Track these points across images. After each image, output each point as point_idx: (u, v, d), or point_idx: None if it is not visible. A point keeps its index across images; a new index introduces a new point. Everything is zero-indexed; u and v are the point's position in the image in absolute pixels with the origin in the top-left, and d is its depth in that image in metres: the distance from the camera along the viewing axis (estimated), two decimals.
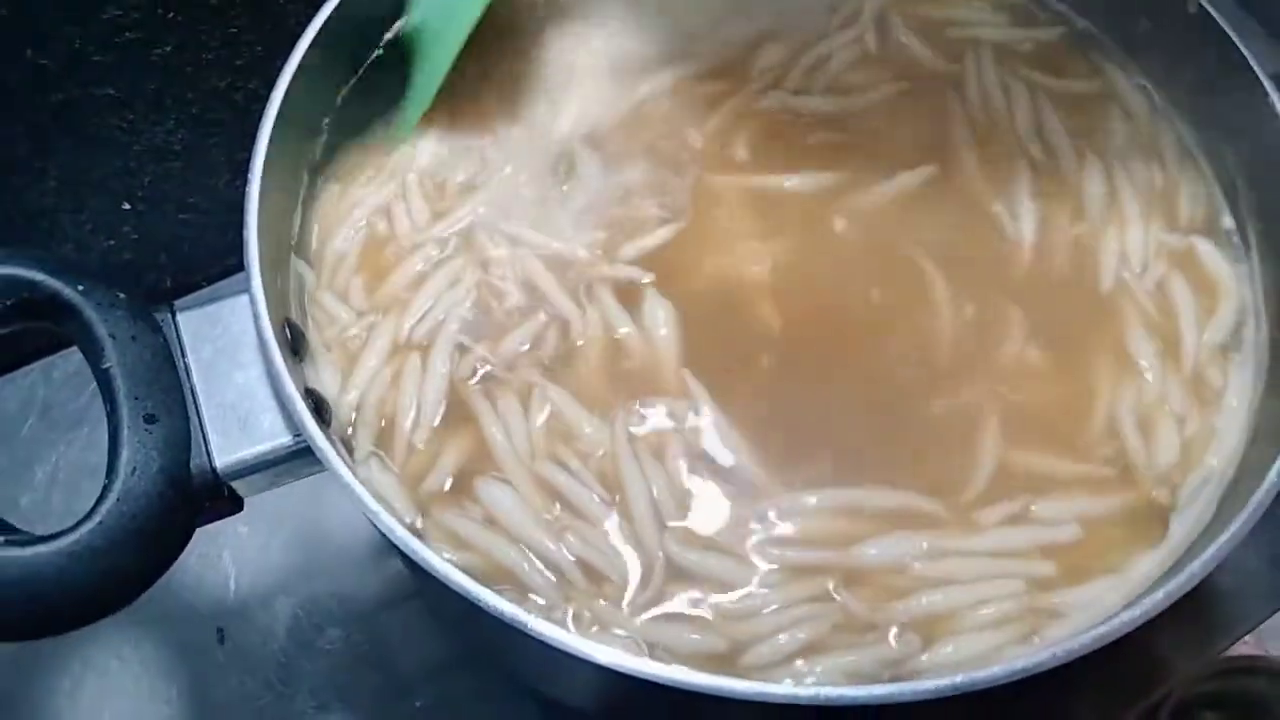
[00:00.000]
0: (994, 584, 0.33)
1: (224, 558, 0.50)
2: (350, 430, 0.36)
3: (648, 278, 0.39)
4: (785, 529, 0.34)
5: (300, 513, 0.51)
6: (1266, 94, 0.39)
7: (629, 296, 0.38)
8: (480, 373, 0.37)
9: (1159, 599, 0.31)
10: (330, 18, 0.39)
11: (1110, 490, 0.35)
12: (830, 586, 0.33)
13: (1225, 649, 0.51)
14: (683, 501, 0.34)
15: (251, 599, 0.50)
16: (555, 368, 0.37)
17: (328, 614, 0.50)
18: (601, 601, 0.33)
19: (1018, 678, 0.29)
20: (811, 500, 0.35)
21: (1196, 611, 0.50)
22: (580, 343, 0.37)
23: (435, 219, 0.40)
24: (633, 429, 0.35)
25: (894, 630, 0.32)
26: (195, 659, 0.48)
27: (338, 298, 0.39)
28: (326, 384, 0.37)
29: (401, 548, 0.31)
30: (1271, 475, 0.32)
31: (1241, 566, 0.50)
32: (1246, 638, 0.52)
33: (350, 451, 0.36)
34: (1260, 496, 0.32)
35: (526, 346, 0.37)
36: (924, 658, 0.32)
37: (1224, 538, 0.31)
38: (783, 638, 0.32)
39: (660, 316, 0.37)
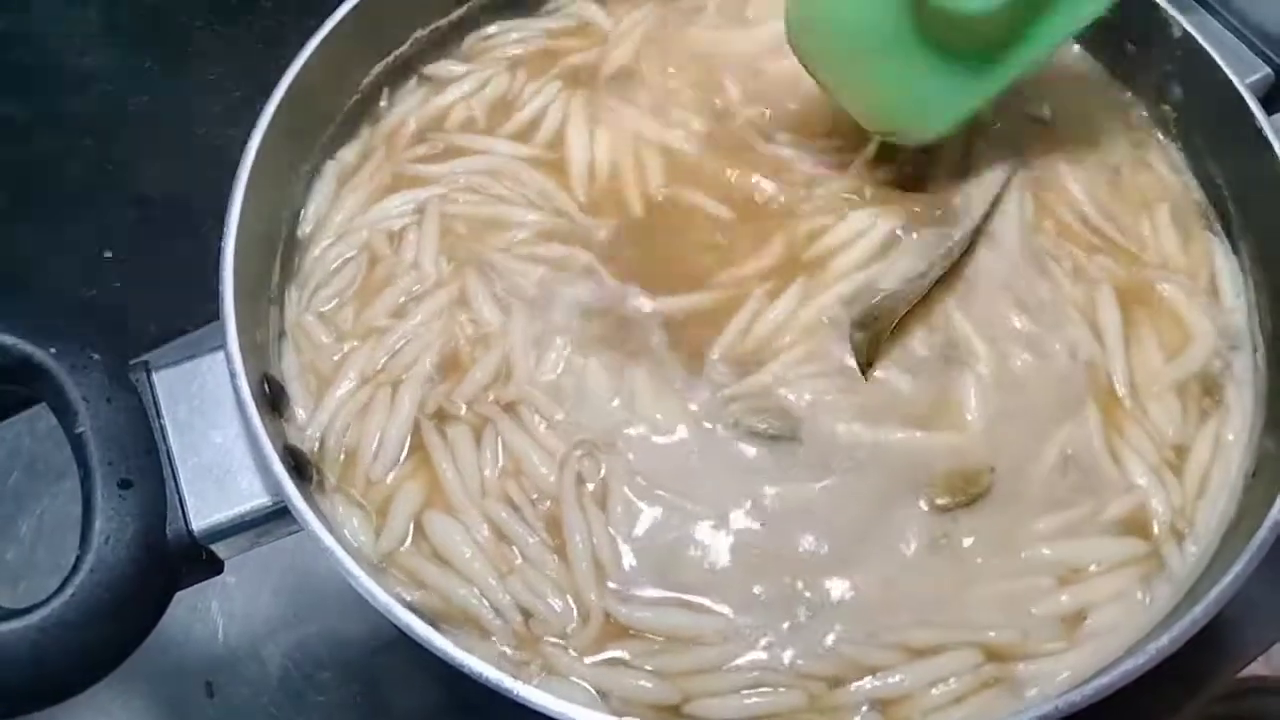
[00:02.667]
0: (953, 656, 0.32)
1: (212, 608, 0.49)
2: (319, 458, 0.36)
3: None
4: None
5: (288, 560, 0.50)
6: (1253, 113, 0.38)
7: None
8: (441, 409, 0.36)
9: (1164, 644, 0.30)
10: (307, 64, 0.39)
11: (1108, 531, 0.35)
12: (785, 658, 0.32)
13: (1235, 673, 0.50)
14: (623, 551, 0.34)
15: (241, 650, 0.49)
16: (512, 405, 0.36)
17: (318, 662, 0.49)
18: (549, 646, 0.32)
19: None
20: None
21: (1205, 639, 0.49)
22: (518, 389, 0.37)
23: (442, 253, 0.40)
24: (581, 471, 0.35)
25: (855, 716, 0.32)
26: (185, 715, 0.47)
27: (320, 319, 0.38)
28: (299, 415, 0.36)
29: (381, 610, 0.30)
30: (1274, 512, 0.32)
31: (1249, 593, 0.49)
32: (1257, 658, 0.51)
33: (321, 483, 0.35)
34: (1264, 534, 0.31)
35: (487, 381, 0.37)
36: None
37: (1226, 580, 0.31)
38: (734, 699, 0.32)
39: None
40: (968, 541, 0.34)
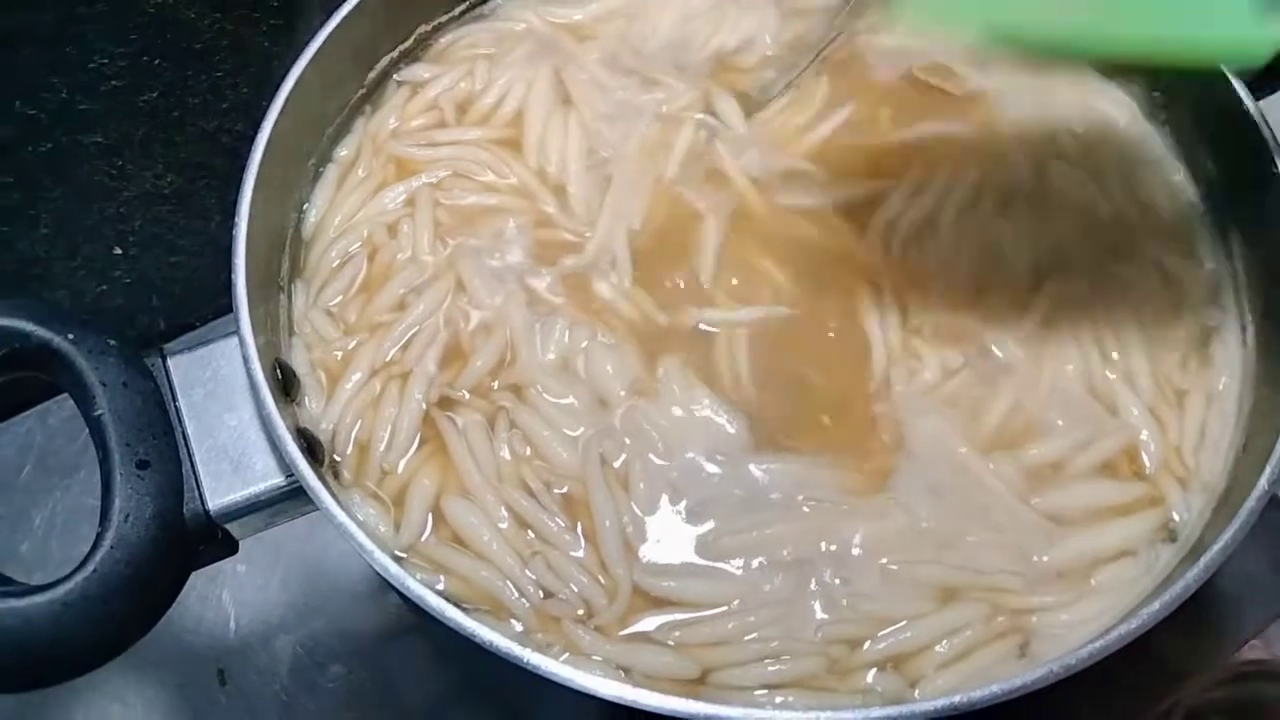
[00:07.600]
0: (962, 609, 0.33)
1: (223, 597, 0.50)
2: (332, 448, 0.36)
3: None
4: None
5: (298, 548, 0.51)
6: (1240, 97, 0.39)
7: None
8: (447, 396, 0.37)
9: (1155, 609, 0.31)
10: (313, 59, 0.40)
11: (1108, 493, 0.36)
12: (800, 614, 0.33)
13: (1233, 654, 0.50)
14: (648, 527, 0.35)
15: (252, 638, 0.49)
16: (521, 389, 0.37)
17: (329, 650, 0.49)
18: (573, 626, 0.33)
19: (1016, 695, 0.29)
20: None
21: (1200, 618, 0.49)
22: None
23: (437, 240, 0.40)
24: (603, 451, 0.35)
25: (869, 674, 0.32)
26: (197, 701, 0.48)
27: (327, 315, 0.39)
28: (311, 409, 0.37)
29: (397, 586, 0.31)
30: (1262, 482, 0.32)
31: (1243, 571, 0.49)
32: (1255, 641, 0.51)
33: (337, 477, 0.36)
34: (1252, 504, 0.32)
35: (490, 367, 0.37)
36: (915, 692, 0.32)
37: (1217, 547, 0.31)
38: (756, 668, 0.32)
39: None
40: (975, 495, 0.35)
